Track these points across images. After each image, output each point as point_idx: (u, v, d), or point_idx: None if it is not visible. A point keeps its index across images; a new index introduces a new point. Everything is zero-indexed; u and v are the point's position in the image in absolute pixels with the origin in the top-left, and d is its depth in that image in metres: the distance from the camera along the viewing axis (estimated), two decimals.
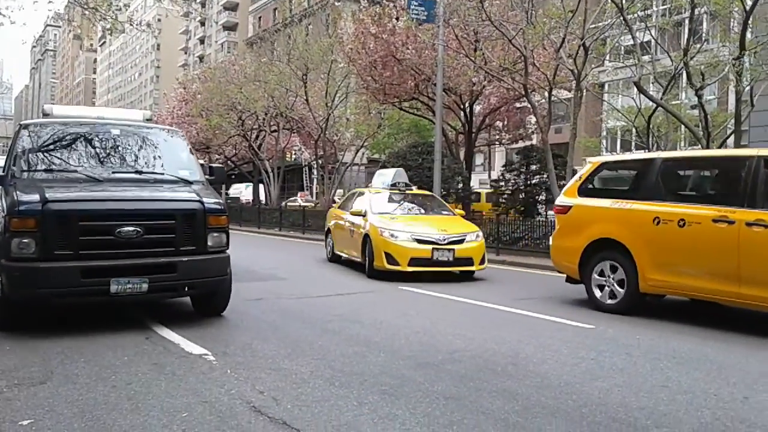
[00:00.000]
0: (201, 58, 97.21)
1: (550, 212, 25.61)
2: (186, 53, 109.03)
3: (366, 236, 11.58)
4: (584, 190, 8.80)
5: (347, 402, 4.38)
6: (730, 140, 18.86)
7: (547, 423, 4.06)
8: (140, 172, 7.09)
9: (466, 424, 4.01)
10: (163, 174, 7.20)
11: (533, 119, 26.69)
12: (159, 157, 7.47)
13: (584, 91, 19.10)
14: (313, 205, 36.39)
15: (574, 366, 5.46)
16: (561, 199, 9.20)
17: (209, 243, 6.63)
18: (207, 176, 7.67)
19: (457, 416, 4.15)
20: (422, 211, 12.83)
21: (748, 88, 17.66)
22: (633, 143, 32.19)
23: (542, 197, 24.93)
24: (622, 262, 7.97)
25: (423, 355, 5.73)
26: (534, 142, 31.37)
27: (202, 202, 6.64)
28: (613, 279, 8.14)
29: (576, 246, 8.52)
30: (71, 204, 6.15)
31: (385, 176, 13.89)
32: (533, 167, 25.10)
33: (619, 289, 8.04)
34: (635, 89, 18.37)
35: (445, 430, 3.91)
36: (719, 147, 17.98)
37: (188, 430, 3.84)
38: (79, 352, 5.55)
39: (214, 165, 8.24)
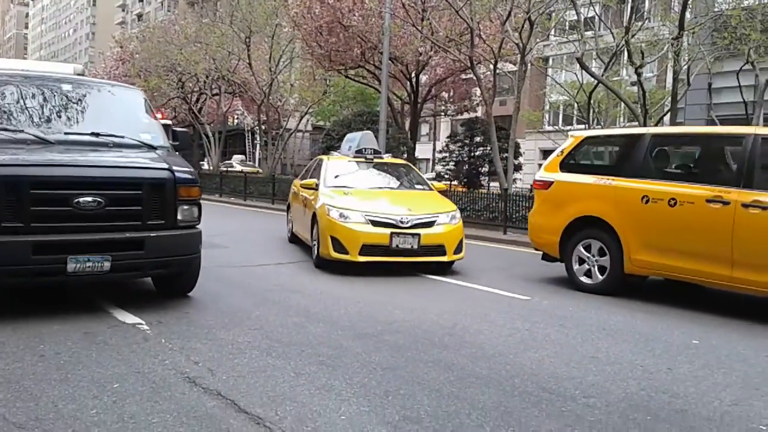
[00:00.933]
0: (139, 16, 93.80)
1: (493, 184, 25.99)
2: (123, 10, 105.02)
3: (314, 215, 9.38)
4: (566, 166, 8.42)
5: (284, 373, 4.37)
6: (667, 117, 19.40)
7: (480, 393, 4.15)
8: (97, 135, 6.20)
9: (402, 395, 4.05)
10: (123, 137, 6.36)
11: (478, 91, 26.82)
12: (117, 117, 6.72)
13: (529, 65, 19.29)
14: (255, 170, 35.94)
15: (509, 337, 5.58)
16: (541, 174, 8.73)
17: (179, 217, 5.97)
18: (170, 141, 7.03)
19: (392, 386, 4.19)
20: (390, 184, 10.31)
21: (685, 67, 18.15)
22: (574, 118, 32.77)
23: (485, 169, 25.24)
24: (607, 241, 7.68)
25: (362, 326, 5.76)
26: (479, 114, 31.62)
27: (171, 171, 5.95)
28: (595, 258, 7.84)
29: (557, 223, 8.17)
30: (21, 169, 5.35)
31: (352, 141, 11.42)
32: (477, 139, 25.37)
33: (602, 269, 7.76)
34: (578, 65, 18.64)
35: (381, 400, 3.95)
36: (656, 124, 18.49)
37: (119, 401, 3.76)
38: (5, 319, 5.36)
39: (177, 129, 7.57)
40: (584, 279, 7.96)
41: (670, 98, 19.32)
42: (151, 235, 5.77)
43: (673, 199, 7.07)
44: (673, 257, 7.11)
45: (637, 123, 16.18)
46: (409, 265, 8.91)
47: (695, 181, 7.16)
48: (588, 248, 7.94)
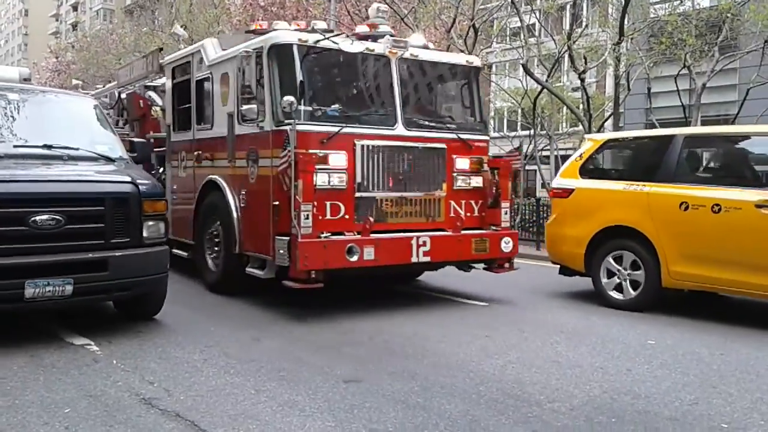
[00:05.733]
0: (74, 25, 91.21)
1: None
2: (57, 20, 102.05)
3: None
4: (587, 171, 7.79)
5: (244, 390, 4.24)
6: (608, 122, 19.89)
7: (446, 402, 4.10)
8: (50, 147, 5.78)
9: (367, 408, 3.97)
10: (78, 149, 5.94)
11: None
12: (70, 128, 6.28)
13: None
14: None
15: (470, 344, 5.56)
16: (559, 181, 8.07)
17: (145, 234, 5.58)
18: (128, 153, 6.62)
19: (357, 400, 4.11)
20: None
21: (624, 72, 18.64)
22: (519, 123, 33.27)
23: None
24: (641, 252, 7.03)
25: (321, 338, 5.65)
26: None
27: (135, 184, 5.57)
28: (628, 272, 7.17)
29: (581, 234, 7.47)
30: None
31: None
32: None
33: (636, 283, 7.12)
34: (521, 71, 18.93)
35: (346, 414, 3.86)
36: (599, 129, 18.91)
37: (72, 426, 3.58)
38: None
39: (135, 139, 7.21)
40: (615, 294, 7.30)
41: (610, 103, 19.81)
42: (116, 254, 5.37)
43: (717, 205, 6.49)
44: (718, 269, 6.53)
45: (581, 128, 16.52)
46: None
47: (738, 185, 6.61)
48: (618, 261, 7.27)
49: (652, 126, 19.37)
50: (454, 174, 7.22)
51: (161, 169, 9.43)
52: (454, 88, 8.19)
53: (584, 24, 20.61)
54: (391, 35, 7.31)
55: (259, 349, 5.26)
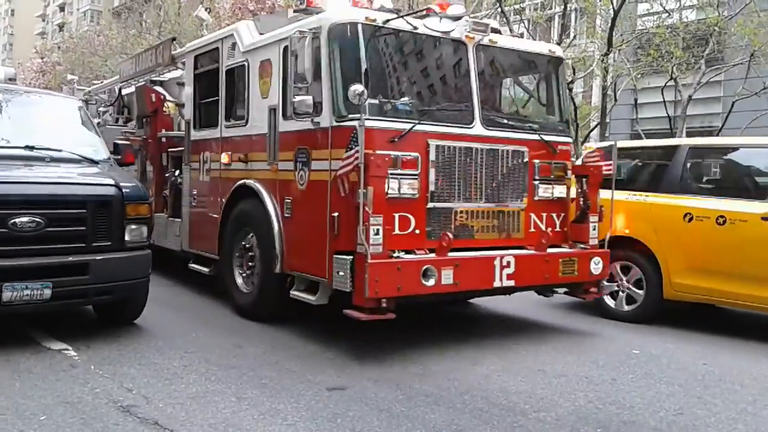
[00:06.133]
0: (61, 26, 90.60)
1: None
2: (44, 21, 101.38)
3: None
4: None
5: (225, 398, 4.16)
6: (594, 132, 19.99)
7: (430, 411, 4.06)
8: (32, 148, 5.72)
9: (351, 416, 3.92)
10: (60, 150, 5.86)
11: None
12: (53, 129, 6.21)
13: None
14: None
15: (455, 352, 5.50)
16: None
17: (127, 237, 5.50)
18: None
19: (340, 408, 4.05)
20: None
21: (611, 83, 18.76)
22: None
23: None
24: (642, 263, 6.99)
25: (303, 345, 5.58)
26: None
27: (118, 187, 5.49)
28: (628, 283, 7.10)
29: None
30: None
31: None
32: None
33: (637, 295, 7.03)
34: None
35: (329, 423, 3.81)
36: (585, 139, 18.99)
37: None
38: None
39: (119, 141, 7.06)
40: (614, 306, 7.20)
41: (596, 113, 19.90)
42: (97, 258, 5.29)
43: (722, 216, 6.43)
44: (722, 281, 6.46)
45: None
46: None
47: (744, 197, 6.57)
48: (618, 272, 7.13)
49: (638, 136, 19.49)
50: (536, 182, 6.18)
51: (177, 172, 8.39)
52: (534, 81, 7.13)
53: (572, 35, 20.74)
54: (468, 17, 6.14)
55: (241, 355, 5.18)
